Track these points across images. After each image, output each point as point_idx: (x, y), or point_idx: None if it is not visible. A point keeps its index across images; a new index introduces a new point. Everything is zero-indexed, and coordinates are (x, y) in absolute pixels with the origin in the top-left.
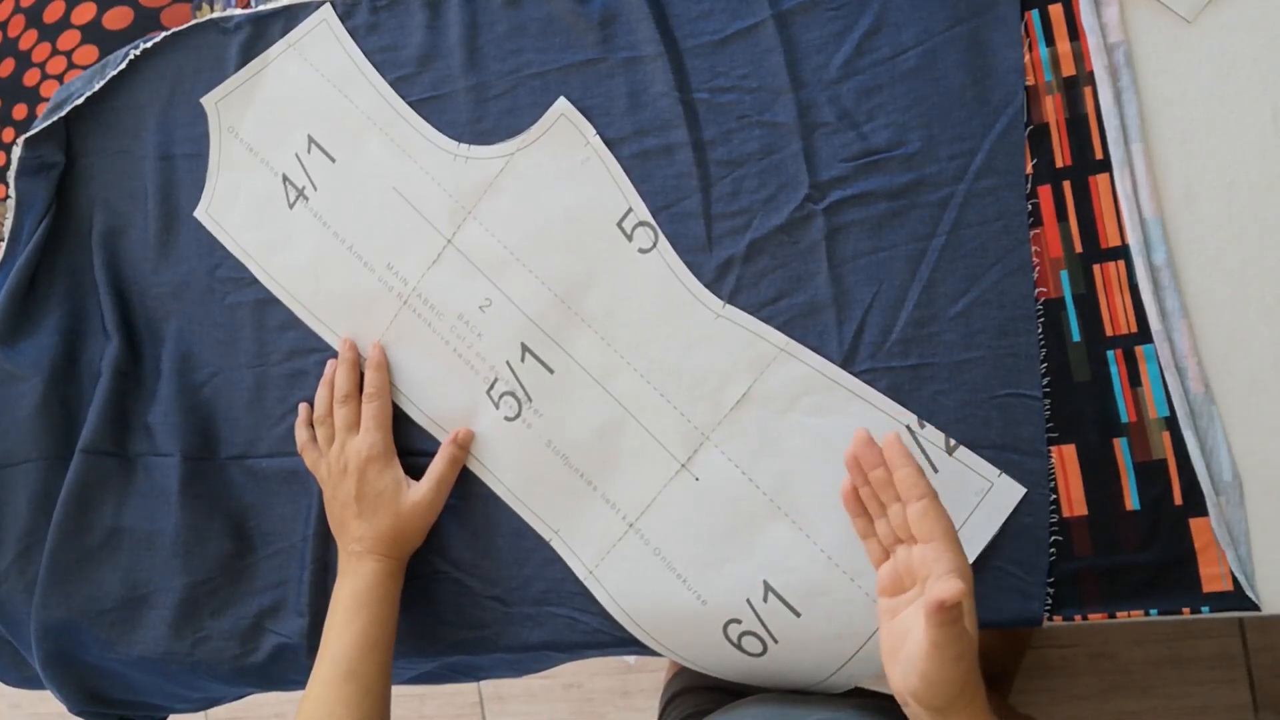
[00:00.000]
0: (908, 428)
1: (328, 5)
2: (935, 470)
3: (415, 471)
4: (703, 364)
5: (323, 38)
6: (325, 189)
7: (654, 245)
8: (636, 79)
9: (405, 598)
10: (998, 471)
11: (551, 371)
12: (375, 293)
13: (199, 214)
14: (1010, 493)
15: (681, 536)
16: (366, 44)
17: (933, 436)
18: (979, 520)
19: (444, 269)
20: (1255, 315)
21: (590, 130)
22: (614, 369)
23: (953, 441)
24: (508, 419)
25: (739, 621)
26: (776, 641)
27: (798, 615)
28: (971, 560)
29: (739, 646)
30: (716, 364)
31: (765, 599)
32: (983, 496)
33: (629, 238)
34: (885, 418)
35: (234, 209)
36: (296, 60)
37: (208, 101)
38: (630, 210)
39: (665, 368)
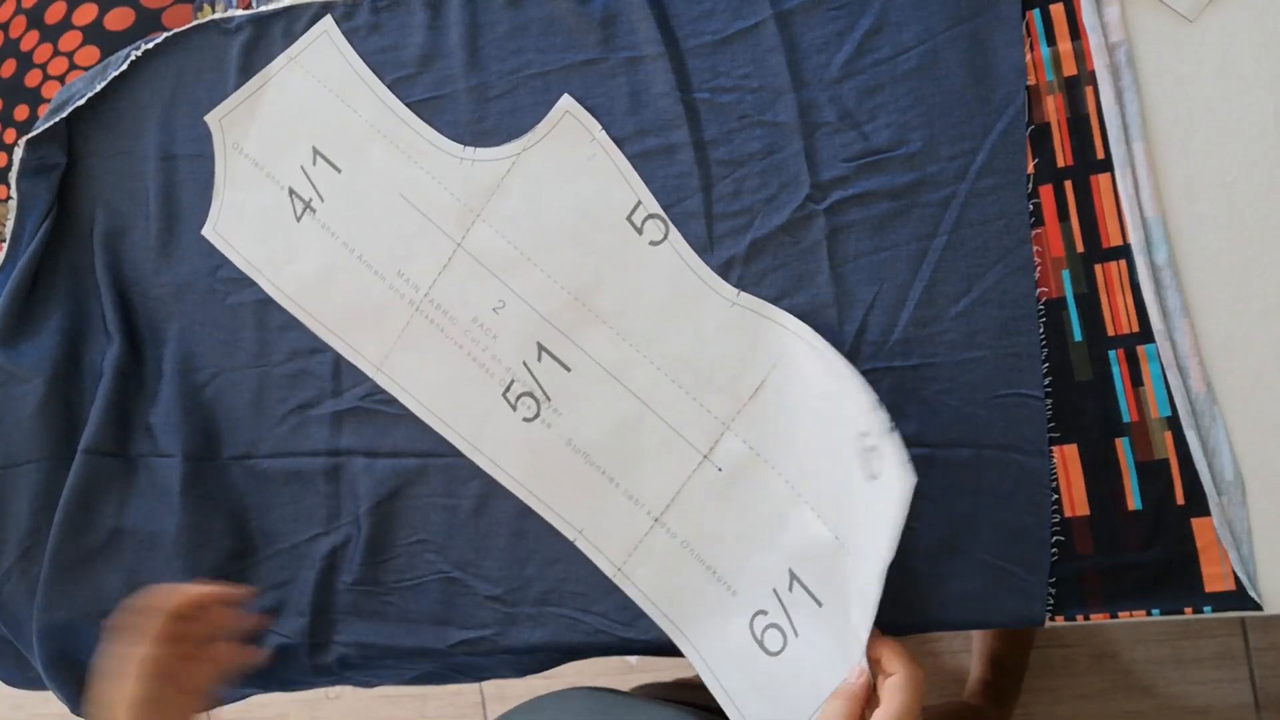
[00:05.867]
0: (873, 409)
1: (328, 17)
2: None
3: (401, 471)
4: (719, 353)
5: (324, 49)
6: (332, 199)
7: (665, 237)
8: (637, 79)
9: (406, 598)
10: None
11: (568, 370)
12: (386, 301)
13: (206, 232)
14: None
15: (708, 528)
16: (367, 45)
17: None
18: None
19: (455, 273)
20: (1257, 314)
21: (596, 126)
22: (631, 364)
23: (891, 423)
24: (526, 420)
25: (765, 613)
26: (797, 635)
27: (820, 605)
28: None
29: (760, 642)
30: (733, 353)
31: (791, 588)
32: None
33: (639, 231)
34: (857, 402)
35: (241, 225)
36: (299, 73)
37: (211, 119)
38: (639, 203)
39: (682, 359)
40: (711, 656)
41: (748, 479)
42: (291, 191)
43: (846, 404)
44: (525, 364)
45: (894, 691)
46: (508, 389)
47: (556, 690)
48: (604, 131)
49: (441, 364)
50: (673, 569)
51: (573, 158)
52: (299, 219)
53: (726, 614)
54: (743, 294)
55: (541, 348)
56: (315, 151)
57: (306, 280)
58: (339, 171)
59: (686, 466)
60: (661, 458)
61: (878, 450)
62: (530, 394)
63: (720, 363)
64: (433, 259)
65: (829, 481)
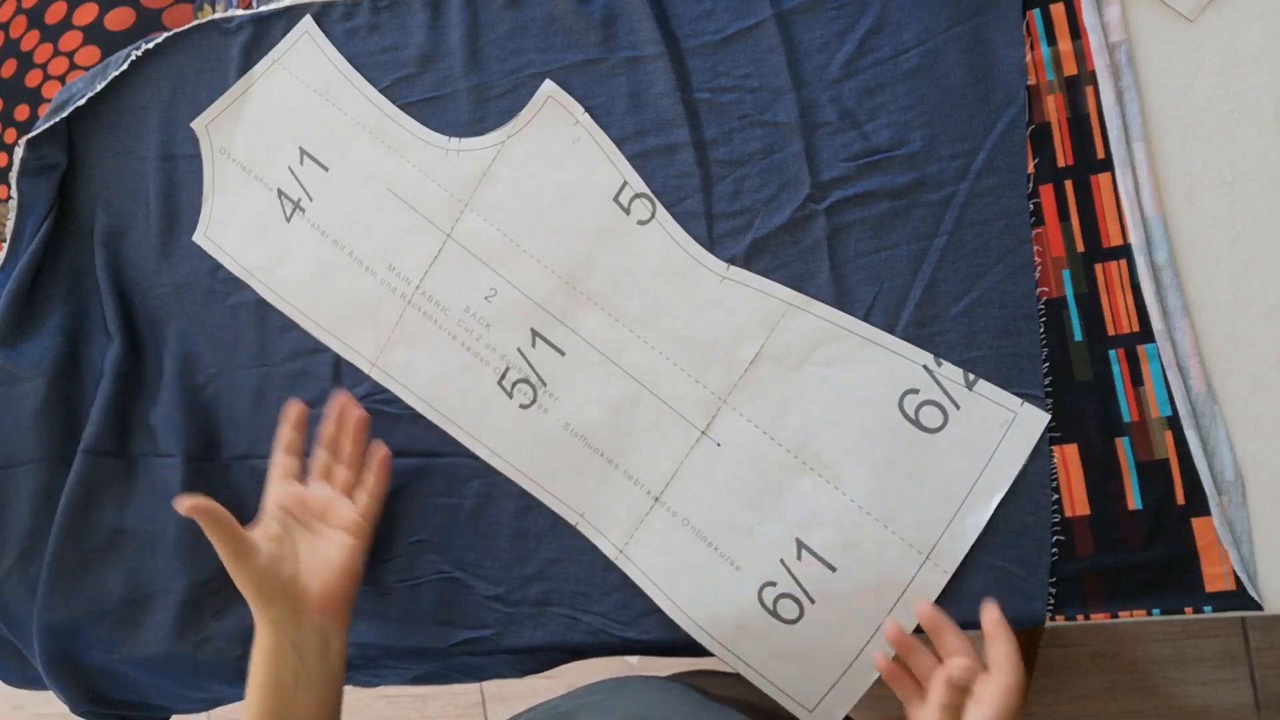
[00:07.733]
0: (924, 367)
1: (308, 18)
2: (958, 407)
3: (401, 471)
4: (712, 328)
5: (306, 49)
6: (321, 198)
7: (652, 216)
8: (638, 79)
9: (407, 598)
10: (1020, 400)
11: (563, 354)
12: (379, 296)
13: (198, 238)
14: (1035, 420)
15: (709, 504)
16: (368, 44)
17: (951, 374)
18: (1007, 451)
19: (446, 264)
20: (1257, 314)
21: (579, 109)
22: (624, 344)
23: (971, 376)
24: (523, 406)
25: (774, 584)
26: (814, 601)
27: (833, 570)
28: (1002, 494)
29: (775, 613)
30: (726, 327)
31: (799, 556)
32: (1008, 427)
33: (626, 211)
34: (900, 360)
35: (232, 229)
36: (282, 75)
37: (198, 125)
38: (625, 184)
39: (675, 337)
40: (720, 632)
41: (747, 452)
42: (280, 193)
43: (871, 368)
44: (520, 350)
45: (1001, 665)
46: (503, 376)
47: (627, 678)
48: (587, 114)
49: (436, 356)
50: (674, 548)
51: (558, 142)
52: (289, 219)
53: (732, 589)
54: (733, 268)
55: (535, 333)
56: (302, 151)
57: (299, 280)
58: (326, 170)
59: (685, 443)
60: (659, 436)
61: (936, 404)
62: (526, 380)
63: (713, 337)
64: (423, 251)
65: (843, 446)
